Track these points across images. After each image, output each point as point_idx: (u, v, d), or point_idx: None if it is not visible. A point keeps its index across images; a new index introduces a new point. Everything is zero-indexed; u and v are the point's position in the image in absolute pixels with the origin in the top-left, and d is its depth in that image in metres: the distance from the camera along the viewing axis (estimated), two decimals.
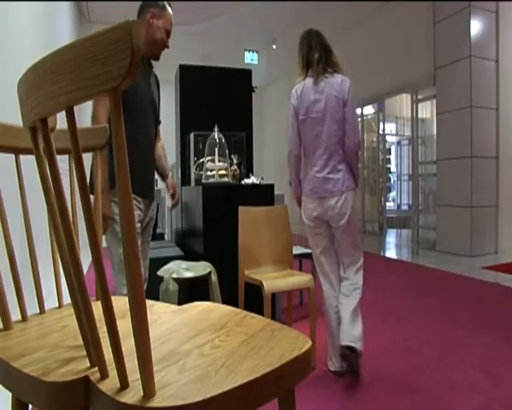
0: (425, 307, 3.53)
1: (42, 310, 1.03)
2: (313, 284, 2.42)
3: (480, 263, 5.31)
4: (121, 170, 0.52)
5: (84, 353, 0.72)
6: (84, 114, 3.29)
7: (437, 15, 6.32)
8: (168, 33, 2.11)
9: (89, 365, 0.70)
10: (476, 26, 5.89)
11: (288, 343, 0.78)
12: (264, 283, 2.30)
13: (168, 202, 6.01)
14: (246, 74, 4.30)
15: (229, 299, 2.11)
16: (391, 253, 6.85)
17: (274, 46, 9.23)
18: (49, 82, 0.56)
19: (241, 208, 2.60)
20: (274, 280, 2.40)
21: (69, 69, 0.53)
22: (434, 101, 6.62)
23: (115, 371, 0.62)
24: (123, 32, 0.48)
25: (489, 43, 5.98)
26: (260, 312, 2.84)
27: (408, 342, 2.73)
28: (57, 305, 1.08)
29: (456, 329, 2.96)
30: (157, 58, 2.14)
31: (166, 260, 2.83)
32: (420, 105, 7.21)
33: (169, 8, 2.11)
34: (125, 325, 0.71)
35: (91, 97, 0.52)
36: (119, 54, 0.48)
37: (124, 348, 0.63)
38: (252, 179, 3.08)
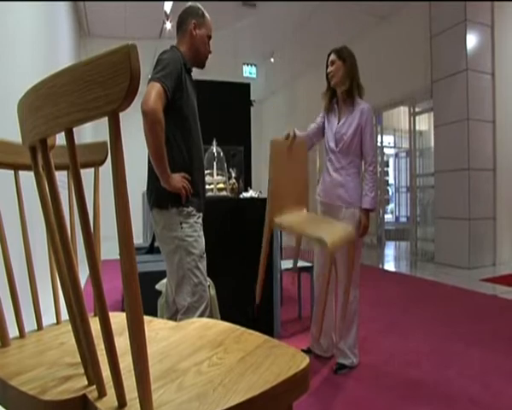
0: (424, 320, 3.52)
1: (40, 326, 1.03)
2: (353, 235, 2.12)
3: (478, 275, 5.31)
4: (120, 196, 0.53)
5: (82, 370, 0.72)
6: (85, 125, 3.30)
7: (434, 29, 6.39)
8: (210, 39, 2.15)
9: (87, 383, 0.70)
10: (472, 40, 5.96)
11: (286, 361, 0.79)
12: (324, 237, 1.79)
13: None
14: (244, 88, 4.34)
15: (227, 315, 2.10)
16: (389, 265, 6.85)
17: (272, 59, 9.31)
18: (49, 103, 0.57)
19: (272, 140, 2.17)
20: (331, 234, 1.89)
21: (69, 91, 0.54)
22: (432, 113, 6.67)
23: (113, 390, 0.62)
24: (122, 55, 0.49)
25: (485, 56, 6.05)
26: (267, 324, 2.85)
27: (407, 355, 2.71)
28: (55, 320, 1.08)
29: (455, 341, 2.95)
30: (203, 66, 2.16)
31: (164, 273, 2.82)
32: (417, 118, 7.26)
33: (207, 15, 2.13)
34: (123, 342, 0.71)
35: (91, 120, 0.53)
36: (119, 77, 0.49)
37: (122, 366, 0.63)
38: (250, 193, 3.09)
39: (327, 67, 2.56)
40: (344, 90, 2.47)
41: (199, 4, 2.14)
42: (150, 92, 1.78)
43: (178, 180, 1.89)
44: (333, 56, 2.52)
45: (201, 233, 2.05)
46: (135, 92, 0.49)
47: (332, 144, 2.52)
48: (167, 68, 1.85)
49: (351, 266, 2.22)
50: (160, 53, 1.97)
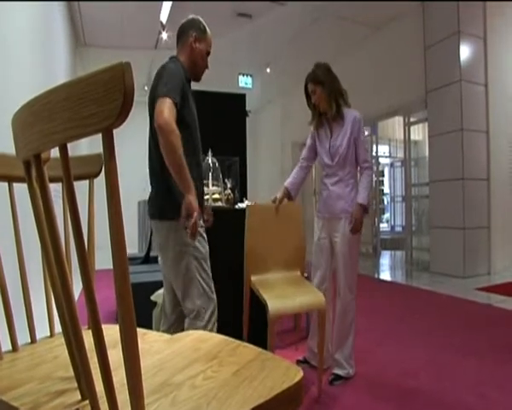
0: (419, 330, 3.52)
1: (33, 339, 1.02)
2: (325, 305, 2.19)
3: (473, 284, 5.32)
4: (114, 210, 0.53)
5: (76, 384, 0.71)
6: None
7: (428, 41, 6.47)
8: (208, 55, 2.17)
9: (80, 397, 0.70)
10: (465, 52, 6.03)
11: (280, 374, 0.78)
12: (268, 303, 2.03)
13: None
14: (240, 99, 4.35)
15: (221, 325, 2.10)
16: (385, 275, 6.85)
17: (268, 70, 9.36)
18: (44, 119, 0.58)
19: (248, 206, 2.43)
20: (281, 299, 2.12)
21: (63, 108, 0.55)
22: (426, 123, 6.72)
23: (107, 404, 0.62)
24: (116, 73, 0.50)
25: (478, 67, 6.12)
26: (262, 334, 2.85)
27: (403, 365, 2.71)
28: (48, 332, 1.07)
29: (450, 351, 2.95)
30: (198, 80, 2.18)
31: (160, 284, 2.81)
32: (412, 128, 7.32)
33: (208, 31, 2.16)
34: (117, 355, 0.71)
35: (85, 136, 0.53)
36: (113, 94, 0.50)
37: (116, 380, 0.63)
38: (246, 203, 3.09)
39: (307, 96, 2.59)
40: (331, 111, 2.49)
41: (201, 18, 2.16)
42: (161, 107, 1.79)
43: (196, 207, 1.86)
44: (311, 86, 2.53)
45: (205, 235, 2.06)
46: (129, 109, 0.49)
47: (327, 160, 2.55)
48: (173, 81, 1.87)
49: (348, 268, 2.43)
50: (162, 65, 1.98)
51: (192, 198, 1.81)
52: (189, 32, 2.10)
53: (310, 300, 2.21)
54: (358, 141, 2.48)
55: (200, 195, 2.10)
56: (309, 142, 2.69)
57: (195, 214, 1.81)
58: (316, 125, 2.62)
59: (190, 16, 2.16)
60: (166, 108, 1.78)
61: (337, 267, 2.51)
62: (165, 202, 1.97)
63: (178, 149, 1.78)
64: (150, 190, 2.09)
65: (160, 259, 2.16)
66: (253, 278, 2.33)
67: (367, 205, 2.45)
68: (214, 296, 2.05)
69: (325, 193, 2.58)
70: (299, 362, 2.67)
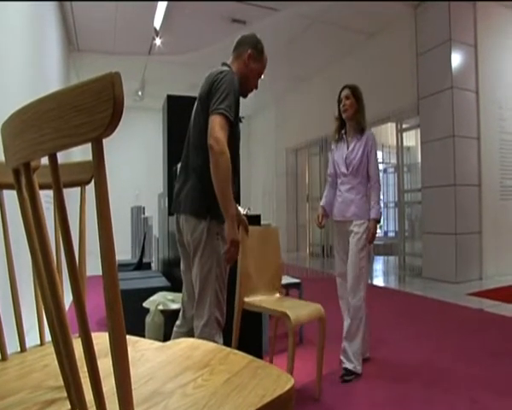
0: (412, 335, 3.53)
1: (23, 348, 1.01)
2: (324, 314, 2.40)
3: (465, 289, 5.35)
4: (104, 218, 0.53)
5: (65, 394, 0.71)
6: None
7: (420, 48, 6.53)
8: (260, 77, 2.17)
9: (70, 407, 0.70)
10: (457, 59, 6.10)
11: (271, 382, 0.79)
12: (289, 314, 2.16)
13: (155, 231, 5.99)
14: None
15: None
16: (378, 280, 6.87)
17: (262, 76, 9.42)
18: (33, 129, 0.57)
19: (242, 228, 2.44)
20: (295, 310, 2.27)
21: (53, 117, 0.55)
22: (419, 130, 6.77)
23: None
24: (106, 83, 0.50)
25: (469, 74, 6.19)
26: (255, 340, 2.83)
27: (395, 371, 2.72)
28: (39, 340, 1.06)
29: (443, 357, 2.96)
30: (245, 96, 2.16)
31: (153, 290, 2.81)
32: (405, 134, 7.36)
33: (266, 54, 2.15)
34: (107, 363, 0.71)
35: (74, 146, 0.53)
36: (102, 104, 0.50)
37: (106, 388, 0.63)
38: (239, 210, 3.08)
39: (339, 98, 2.91)
40: (354, 123, 2.86)
41: (260, 39, 2.15)
42: (215, 125, 1.80)
43: (236, 236, 1.86)
44: (348, 92, 2.86)
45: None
46: (118, 119, 0.50)
47: (343, 169, 2.87)
48: (230, 97, 1.86)
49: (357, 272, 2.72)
50: (222, 71, 1.95)
51: (230, 227, 1.82)
52: (246, 47, 2.09)
53: (313, 310, 2.41)
54: (371, 156, 2.80)
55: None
56: (332, 157, 3.02)
57: (233, 246, 1.83)
58: (335, 139, 2.99)
59: (253, 33, 2.16)
60: (221, 128, 1.80)
61: (347, 268, 2.80)
62: (198, 199, 1.93)
63: (226, 174, 1.80)
64: (178, 184, 2.06)
65: (182, 261, 2.10)
66: (246, 300, 2.42)
67: (379, 218, 2.79)
68: (224, 307, 1.99)
69: (340, 198, 2.89)
70: (344, 378, 2.62)
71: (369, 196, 2.85)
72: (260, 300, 2.46)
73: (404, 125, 7.32)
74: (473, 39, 6.22)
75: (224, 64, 2.09)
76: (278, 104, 11.37)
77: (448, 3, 5.97)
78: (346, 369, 2.64)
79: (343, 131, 2.95)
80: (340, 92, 2.91)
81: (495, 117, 6.42)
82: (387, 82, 7.32)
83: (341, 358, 2.72)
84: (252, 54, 2.08)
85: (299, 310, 2.32)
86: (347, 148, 2.89)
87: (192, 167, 1.99)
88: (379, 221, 2.82)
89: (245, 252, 2.43)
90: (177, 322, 2.12)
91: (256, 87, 2.18)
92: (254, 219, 3.09)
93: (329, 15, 6.65)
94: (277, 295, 2.66)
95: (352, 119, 2.86)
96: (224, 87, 1.87)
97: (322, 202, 3.03)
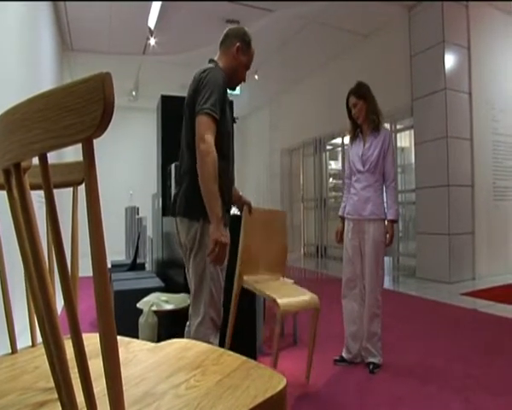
0: (406, 335, 3.55)
1: (14, 350, 1.00)
2: (319, 304, 2.38)
3: (458, 289, 5.38)
4: (94, 219, 0.53)
5: (56, 395, 0.70)
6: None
7: (413, 49, 6.56)
8: (247, 69, 2.17)
9: (60, 409, 0.69)
10: (450, 61, 6.13)
11: (263, 383, 0.79)
12: (278, 301, 2.13)
13: (150, 232, 5.97)
14: (228, 105, 4.34)
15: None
16: None
17: (256, 76, 9.41)
18: (23, 129, 0.57)
19: (245, 209, 2.47)
20: (287, 297, 2.24)
21: (42, 118, 0.54)
22: (413, 131, 6.80)
23: None
24: (96, 83, 0.50)
25: (462, 76, 6.23)
26: (250, 340, 2.83)
27: (389, 371, 2.72)
28: (30, 342, 1.05)
29: (436, 356, 2.98)
30: (234, 89, 2.18)
31: (146, 291, 2.80)
32: (399, 135, 7.39)
33: (253, 47, 2.15)
34: (99, 364, 0.70)
35: (65, 146, 0.53)
36: (92, 105, 0.50)
37: (97, 390, 0.62)
38: (233, 210, 3.08)
39: (348, 107, 2.88)
40: (368, 122, 2.82)
41: (248, 31, 2.15)
42: (200, 126, 1.82)
43: (224, 237, 1.84)
44: (353, 99, 2.83)
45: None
46: (109, 120, 0.49)
47: (359, 166, 2.84)
48: (214, 95, 1.87)
49: (375, 270, 2.72)
50: (206, 70, 1.96)
51: (214, 228, 1.81)
52: (233, 40, 2.10)
53: (308, 299, 2.38)
54: (388, 154, 2.78)
55: (229, 201, 2.10)
56: (347, 157, 3.00)
57: (217, 246, 1.81)
58: (351, 138, 2.96)
59: (240, 26, 2.17)
60: (207, 128, 1.82)
61: (364, 268, 2.79)
62: (191, 201, 1.94)
63: (211, 174, 1.81)
64: (176, 188, 2.08)
65: (184, 262, 2.09)
66: (246, 278, 2.40)
67: (397, 219, 2.81)
68: (221, 306, 1.99)
69: (355, 197, 2.84)
70: (336, 361, 2.85)
71: (385, 195, 2.83)
72: (257, 280, 2.42)
73: (397, 126, 7.36)
74: (466, 41, 6.27)
75: (211, 61, 2.10)
76: (272, 105, 11.37)
77: (441, 5, 6.00)
78: (373, 363, 2.73)
79: (358, 130, 2.92)
80: (347, 100, 2.89)
81: (488, 118, 6.46)
82: (381, 83, 7.30)
83: (363, 354, 2.82)
84: (240, 46, 2.09)
85: (293, 297, 2.30)
86: (363, 145, 2.85)
87: (185, 170, 2.00)
88: (396, 221, 2.81)
89: (247, 231, 2.41)
90: (188, 322, 2.11)
91: (244, 80, 2.19)
92: None
93: (324, 16, 6.66)
94: (281, 278, 2.64)
95: (367, 121, 2.83)
96: (208, 86, 1.89)
97: (341, 212, 2.96)
